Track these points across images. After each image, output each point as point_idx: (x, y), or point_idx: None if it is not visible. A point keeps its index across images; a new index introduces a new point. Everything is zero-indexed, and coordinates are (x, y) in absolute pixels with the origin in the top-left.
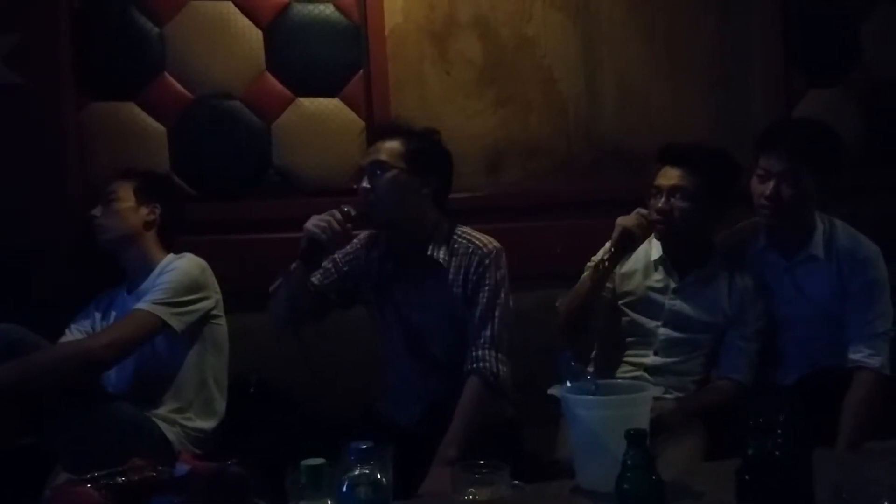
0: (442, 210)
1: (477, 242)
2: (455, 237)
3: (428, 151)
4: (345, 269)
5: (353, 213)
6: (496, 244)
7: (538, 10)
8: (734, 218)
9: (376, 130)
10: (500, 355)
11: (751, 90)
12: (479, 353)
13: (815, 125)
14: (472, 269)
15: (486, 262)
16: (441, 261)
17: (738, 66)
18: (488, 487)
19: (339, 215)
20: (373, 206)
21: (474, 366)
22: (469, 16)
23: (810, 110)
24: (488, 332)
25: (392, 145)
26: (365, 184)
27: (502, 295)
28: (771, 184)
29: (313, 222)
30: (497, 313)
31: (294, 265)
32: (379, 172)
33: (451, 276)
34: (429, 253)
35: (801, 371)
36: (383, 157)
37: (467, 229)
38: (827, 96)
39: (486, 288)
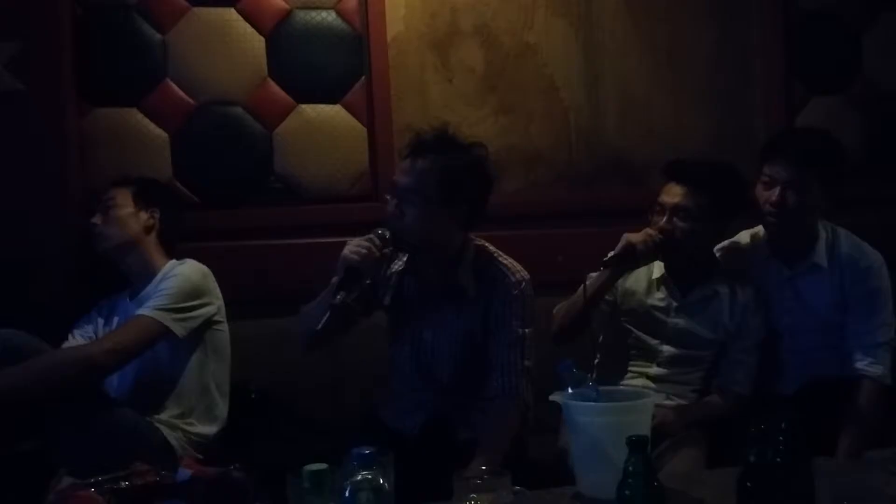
0: (469, 229)
1: (504, 270)
2: (483, 262)
3: (466, 177)
4: (367, 281)
5: (387, 235)
6: (524, 273)
7: (540, 19)
8: (736, 227)
9: (419, 142)
10: (529, 385)
11: (752, 100)
12: (514, 380)
13: (820, 134)
14: (498, 298)
15: (515, 292)
16: (468, 290)
17: (739, 75)
18: (490, 493)
19: (377, 241)
20: (399, 231)
21: (507, 391)
22: (470, 24)
23: (812, 120)
24: (520, 360)
25: (429, 166)
26: (393, 207)
27: (532, 325)
28: (777, 190)
29: (352, 249)
30: (527, 343)
31: (338, 298)
32: (409, 198)
33: (472, 302)
34: (458, 283)
35: (800, 380)
36: (416, 183)
37: (495, 251)
38: (828, 106)
39: (517, 317)
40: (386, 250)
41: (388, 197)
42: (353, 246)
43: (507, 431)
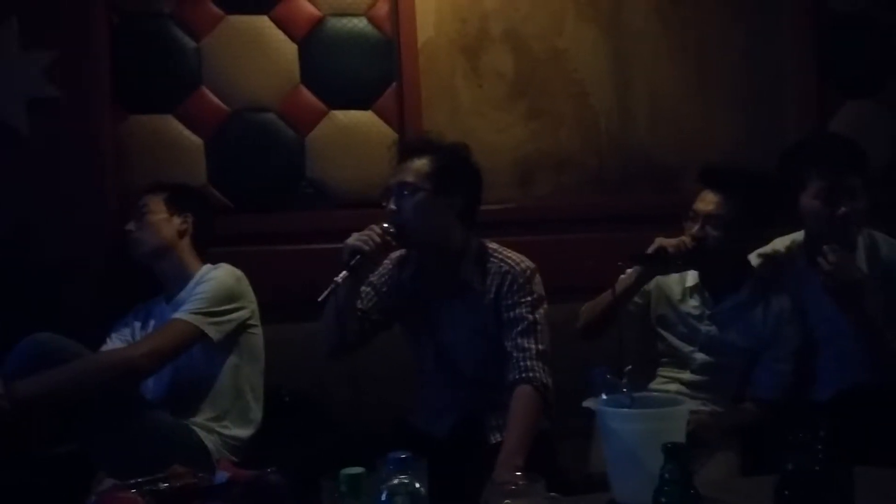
0: (469, 226)
1: (510, 262)
2: (487, 256)
3: (455, 169)
4: (383, 289)
5: (391, 229)
6: (529, 263)
7: (569, 24)
8: (772, 233)
9: (404, 148)
10: (547, 367)
11: (783, 104)
12: (528, 363)
13: (850, 139)
14: (506, 289)
15: (521, 280)
16: (474, 284)
17: (770, 79)
18: (523, 499)
19: (378, 230)
20: (400, 228)
21: (524, 375)
22: (500, 29)
23: (845, 124)
24: (534, 345)
25: (419, 165)
26: (392, 205)
27: (541, 311)
28: (847, 202)
29: (355, 236)
30: (539, 328)
31: (341, 275)
32: (405, 194)
33: (483, 296)
34: (462, 276)
35: (837, 387)
36: (409, 178)
37: (497, 247)
38: (861, 109)
39: (525, 304)
40: (387, 238)
41: (384, 203)
42: (356, 234)
43: (530, 414)
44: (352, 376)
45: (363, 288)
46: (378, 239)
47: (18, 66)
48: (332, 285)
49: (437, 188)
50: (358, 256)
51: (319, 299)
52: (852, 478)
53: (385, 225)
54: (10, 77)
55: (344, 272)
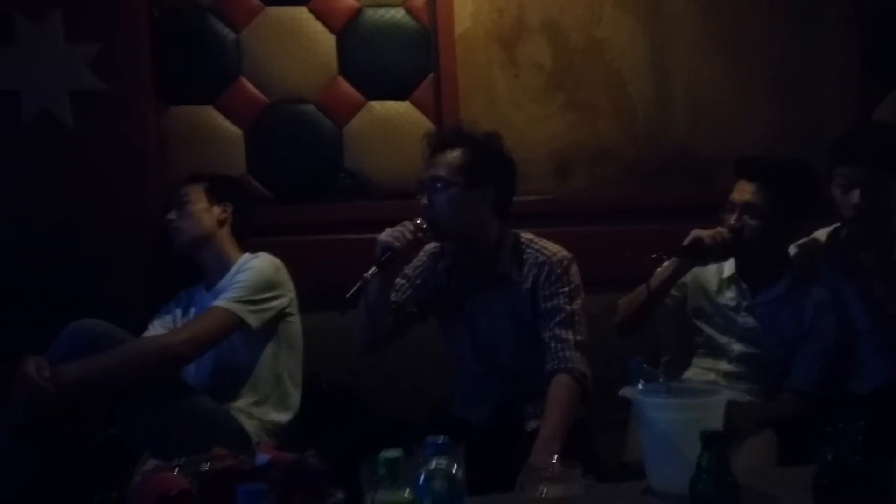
0: (504, 217)
1: (546, 252)
2: (523, 247)
3: (488, 161)
4: (417, 281)
5: (424, 225)
6: (566, 253)
7: (608, 14)
8: (811, 225)
9: (436, 140)
10: (585, 358)
11: (825, 95)
12: (567, 353)
13: (891, 129)
14: (543, 279)
15: (559, 270)
16: (512, 275)
17: (812, 70)
18: (560, 485)
19: (410, 226)
20: (434, 223)
21: (563, 365)
22: (538, 20)
23: (888, 115)
24: (571, 336)
25: (451, 158)
26: (424, 199)
27: (579, 301)
28: (856, 193)
29: (387, 232)
30: (577, 318)
31: (371, 272)
32: (438, 188)
33: (519, 286)
34: (500, 269)
35: (876, 380)
36: (441, 172)
37: (532, 236)
38: None
39: (563, 294)
40: (420, 234)
41: (418, 197)
42: (388, 230)
43: (567, 402)
44: (387, 364)
45: (398, 280)
46: (410, 236)
47: (63, 58)
48: (361, 282)
49: (469, 181)
50: (389, 252)
51: (347, 295)
52: (892, 469)
53: (418, 221)
54: (55, 69)
55: (374, 268)
